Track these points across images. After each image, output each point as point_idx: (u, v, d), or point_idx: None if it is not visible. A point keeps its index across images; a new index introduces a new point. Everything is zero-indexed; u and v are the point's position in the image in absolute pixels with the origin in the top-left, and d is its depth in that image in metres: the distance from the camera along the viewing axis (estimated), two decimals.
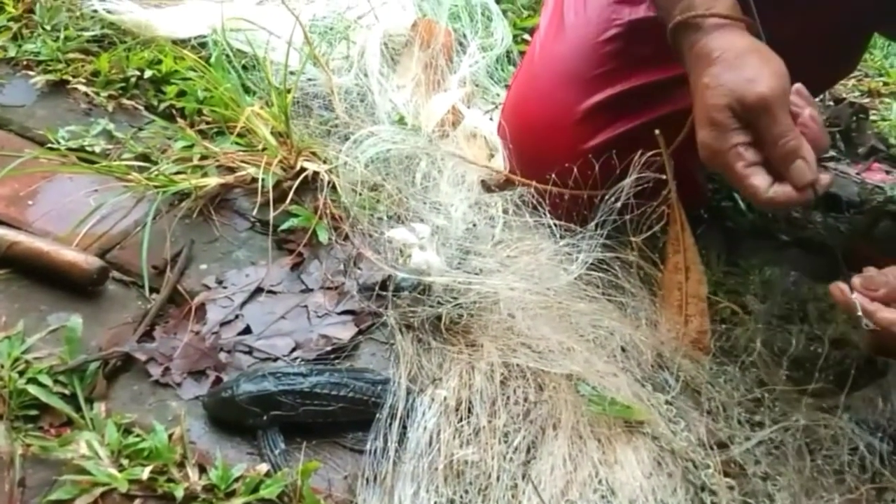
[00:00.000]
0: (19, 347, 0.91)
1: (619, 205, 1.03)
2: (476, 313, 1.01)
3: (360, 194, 1.14)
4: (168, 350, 0.95)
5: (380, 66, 1.40)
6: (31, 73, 1.35)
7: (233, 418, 0.89)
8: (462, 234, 1.10)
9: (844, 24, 1.12)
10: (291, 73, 1.28)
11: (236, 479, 0.82)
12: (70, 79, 1.34)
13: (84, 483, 0.79)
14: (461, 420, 0.89)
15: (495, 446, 0.86)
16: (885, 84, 1.85)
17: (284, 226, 1.12)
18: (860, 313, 0.85)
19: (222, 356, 0.96)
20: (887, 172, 1.53)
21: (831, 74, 1.35)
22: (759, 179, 0.88)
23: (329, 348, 0.99)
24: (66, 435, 0.83)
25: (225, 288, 1.04)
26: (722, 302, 1.10)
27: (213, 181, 1.16)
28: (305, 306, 1.04)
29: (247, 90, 1.33)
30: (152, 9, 1.49)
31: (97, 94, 1.32)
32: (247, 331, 1.00)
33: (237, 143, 1.23)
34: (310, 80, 1.37)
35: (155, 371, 0.93)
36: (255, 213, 1.14)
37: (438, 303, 1.00)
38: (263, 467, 0.84)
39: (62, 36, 1.40)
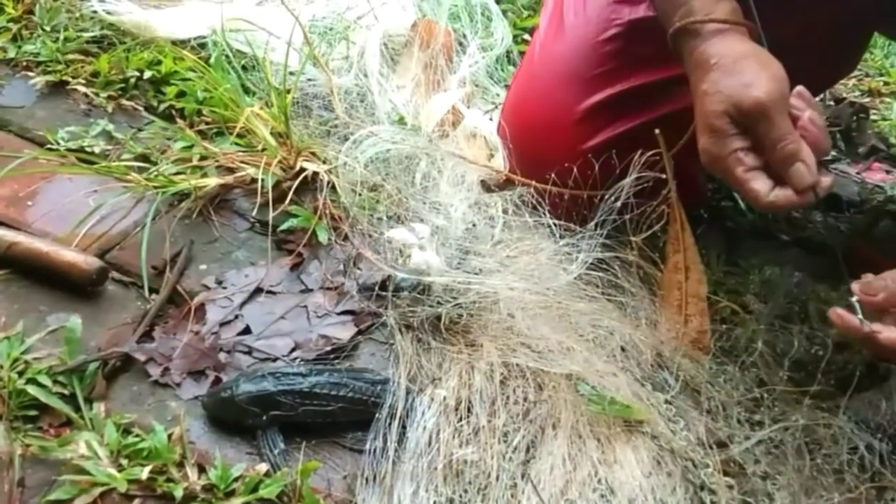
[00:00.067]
0: (19, 348, 0.91)
1: (618, 204, 1.03)
2: (476, 313, 1.01)
3: (360, 194, 1.14)
4: (167, 350, 0.95)
5: (379, 66, 1.40)
6: (30, 73, 1.35)
7: (232, 418, 0.89)
8: (462, 234, 1.10)
9: (845, 23, 1.12)
10: (291, 73, 1.28)
11: (236, 479, 0.82)
12: (70, 80, 1.34)
13: (83, 483, 0.79)
14: (461, 420, 0.89)
15: (495, 446, 0.86)
16: (886, 84, 1.85)
17: (284, 226, 1.12)
18: (860, 321, 0.85)
19: (222, 356, 0.96)
20: (887, 172, 1.53)
21: (832, 74, 1.35)
22: (760, 184, 0.88)
23: (328, 348, 0.99)
24: (65, 435, 0.84)
25: (224, 288, 1.04)
26: (722, 302, 1.09)
27: (212, 181, 1.16)
28: (305, 306, 1.04)
29: (246, 91, 1.33)
30: (152, 9, 1.49)
31: (97, 94, 1.32)
32: (246, 331, 1.00)
33: (237, 144, 1.23)
34: (309, 80, 1.37)
35: (154, 371, 0.93)
36: (254, 213, 1.14)
37: (438, 303, 1.00)
38: (263, 467, 0.84)
39: (62, 37, 1.40)
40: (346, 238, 1.11)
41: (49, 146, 1.20)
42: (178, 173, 1.16)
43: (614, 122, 1.11)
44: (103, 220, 1.10)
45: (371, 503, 0.83)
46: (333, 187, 1.15)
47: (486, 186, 1.19)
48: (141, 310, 1.00)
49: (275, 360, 0.97)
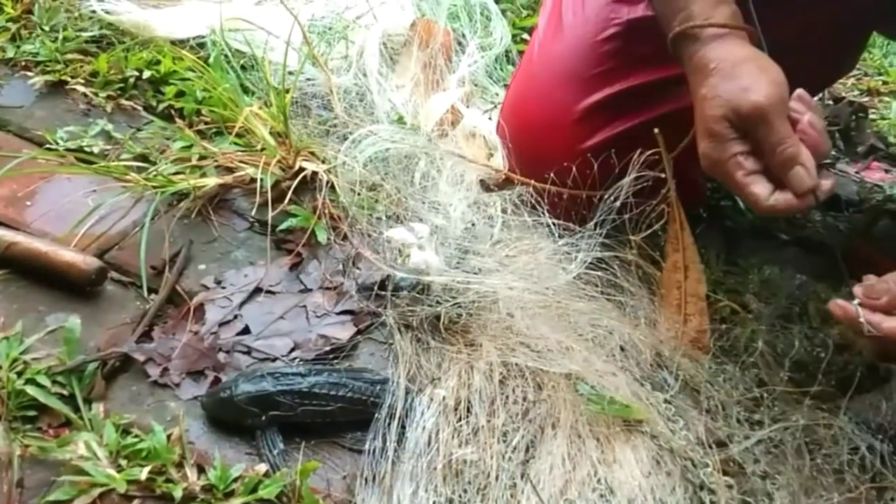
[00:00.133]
0: (18, 348, 0.91)
1: (617, 204, 1.03)
2: (475, 313, 1.00)
3: (359, 194, 1.14)
4: (166, 350, 0.95)
5: (378, 65, 1.40)
6: (29, 73, 1.35)
7: (231, 418, 0.89)
8: (461, 233, 1.10)
9: (844, 23, 1.12)
10: (290, 73, 1.28)
11: (235, 480, 0.82)
12: (68, 79, 1.34)
13: (82, 483, 0.79)
14: (460, 419, 0.89)
15: (494, 445, 0.86)
16: (885, 83, 1.84)
17: (283, 226, 1.12)
18: (863, 321, 0.85)
19: (221, 356, 0.96)
20: (886, 171, 1.53)
21: (831, 73, 1.35)
22: (760, 188, 0.88)
23: (328, 348, 0.98)
24: (64, 435, 0.83)
25: (223, 288, 1.04)
26: (721, 301, 1.09)
27: (211, 181, 1.15)
28: (304, 306, 1.04)
29: (245, 90, 1.33)
30: (151, 9, 1.49)
31: (96, 94, 1.32)
32: (245, 331, 1.00)
33: (236, 144, 1.23)
34: (308, 79, 1.37)
35: (153, 371, 0.93)
36: (253, 213, 1.14)
37: (437, 302, 1.00)
38: (262, 467, 0.84)
39: (61, 36, 1.40)
40: (345, 238, 1.10)
41: (48, 146, 1.20)
42: (177, 173, 1.16)
43: (613, 122, 1.11)
44: (102, 220, 1.10)
45: (370, 503, 0.83)
46: (332, 187, 1.15)
47: (486, 186, 1.19)
48: (140, 310, 1.00)
49: (274, 360, 0.97)
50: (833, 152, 1.55)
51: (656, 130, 1.01)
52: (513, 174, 1.16)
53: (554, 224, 1.09)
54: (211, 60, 1.33)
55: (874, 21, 1.23)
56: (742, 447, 0.90)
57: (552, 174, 1.09)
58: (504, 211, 1.14)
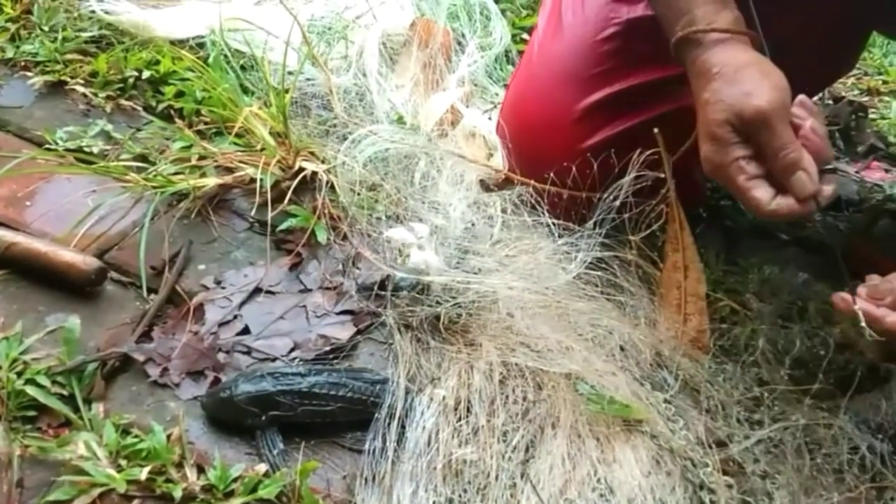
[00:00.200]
0: (17, 348, 0.91)
1: (617, 204, 1.03)
2: (475, 312, 1.00)
3: (359, 194, 1.14)
4: (166, 350, 0.95)
5: (378, 65, 1.40)
6: (29, 73, 1.35)
7: (231, 418, 0.89)
8: (460, 233, 1.10)
9: (844, 22, 1.12)
10: (290, 73, 1.28)
11: (235, 480, 0.82)
12: (68, 79, 1.34)
13: (82, 484, 0.79)
14: (460, 419, 0.89)
15: (494, 445, 0.86)
16: (885, 82, 1.84)
17: (283, 226, 1.12)
18: (863, 323, 0.85)
19: (221, 356, 0.96)
20: (886, 171, 1.53)
21: (831, 73, 1.35)
22: (761, 192, 0.88)
23: (328, 348, 0.98)
24: (64, 436, 0.83)
25: (223, 288, 1.04)
26: (721, 301, 1.09)
27: (211, 181, 1.15)
28: (304, 306, 1.04)
29: (245, 90, 1.33)
30: (150, 9, 1.49)
31: (95, 94, 1.32)
32: (245, 331, 1.00)
33: (235, 144, 1.23)
34: (308, 79, 1.36)
35: (153, 371, 0.93)
36: (253, 213, 1.14)
37: (437, 302, 1.00)
38: (262, 467, 0.84)
39: (60, 37, 1.40)
40: (344, 238, 1.10)
41: (47, 146, 1.20)
42: (176, 173, 1.16)
43: (613, 122, 1.11)
44: (102, 221, 1.10)
45: (370, 503, 0.83)
46: (332, 187, 1.15)
47: (485, 186, 1.19)
48: (140, 310, 1.00)
49: (274, 360, 0.97)
50: (833, 152, 1.55)
51: (656, 130, 1.01)
52: (512, 174, 1.16)
53: (554, 224, 1.09)
54: (210, 60, 1.33)
55: (874, 20, 1.23)
56: (742, 447, 0.90)
57: (552, 174, 1.09)
58: (504, 211, 1.14)
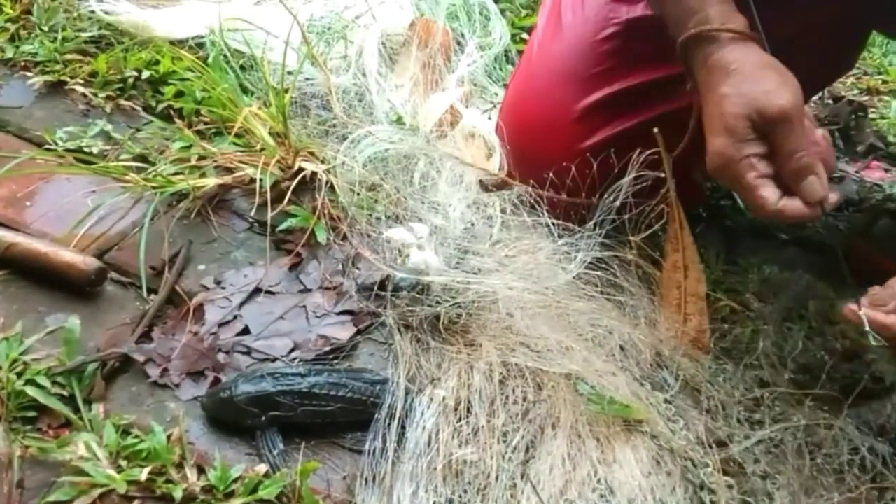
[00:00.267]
0: (17, 349, 0.91)
1: (617, 204, 1.03)
2: (474, 313, 1.00)
3: (359, 194, 1.14)
4: (166, 351, 0.95)
5: (378, 65, 1.40)
6: (28, 74, 1.35)
7: (231, 419, 0.89)
8: (460, 233, 1.10)
9: (844, 22, 1.12)
10: (289, 72, 1.28)
11: (235, 480, 0.82)
12: (68, 80, 1.34)
13: (82, 484, 0.79)
14: (460, 420, 0.89)
15: (494, 446, 0.86)
16: (884, 82, 1.84)
17: (282, 226, 1.12)
18: (868, 329, 0.86)
19: (220, 357, 0.96)
20: (886, 170, 1.53)
21: (831, 73, 1.35)
22: (769, 192, 0.88)
23: (327, 348, 0.98)
24: (64, 436, 0.83)
25: (223, 288, 1.04)
26: (721, 300, 1.09)
27: (211, 181, 1.15)
28: (304, 306, 1.04)
29: (244, 90, 1.33)
30: (150, 9, 1.49)
31: (95, 94, 1.32)
32: (245, 331, 1.00)
33: (235, 144, 1.23)
34: (308, 79, 1.36)
35: (153, 372, 0.93)
36: (253, 213, 1.14)
37: (437, 302, 1.00)
38: (262, 468, 0.84)
39: (60, 37, 1.40)
40: (344, 238, 1.10)
41: (47, 146, 1.20)
42: (176, 173, 1.16)
43: (613, 121, 1.11)
44: (102, 221, 1.10)
45: (370, 503, 0.83)
46: (332, 187, 1.15)
47: (484, 186, 1.19)
48: (140, 310, 1.00)
49: (274, 360, 0.97)
50: (836, 162, 1.55)
51: (656, 130, 1.01)
52: (509, 178, 1.16)
53: (553, 224, 1.09)
54: (210, 60, 1.33)
55: (874, 20, 1.23)
56: (742, 447, 0.90)
57: (551, 174, 1.09)
58: (503, 211, 1.14)
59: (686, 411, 0.94)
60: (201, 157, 1.20)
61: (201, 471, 0.83)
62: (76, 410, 0.87)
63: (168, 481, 0.81)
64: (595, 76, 1.13)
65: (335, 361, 0.98)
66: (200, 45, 1.42)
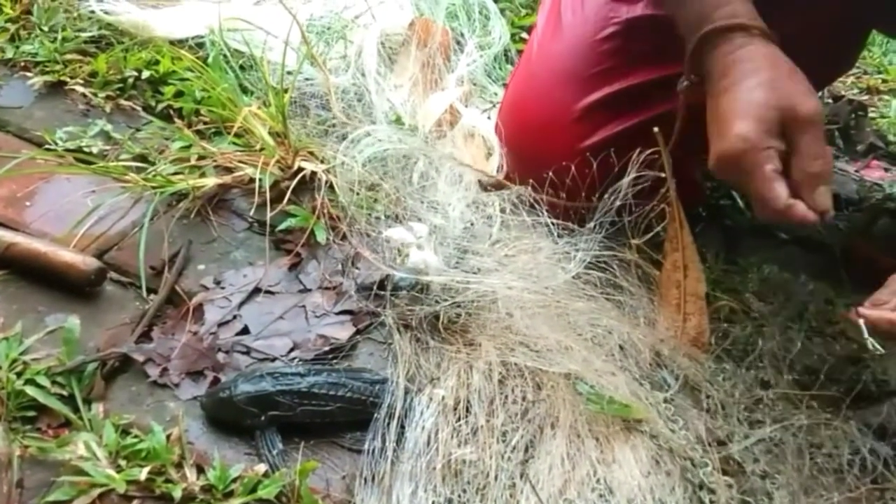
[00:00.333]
0: (17, 348, 0.91)
1: (617, 203, 1.03)
2: (474, 312, 1.00)
3: (358, 194, 1.14)
4: (166, 351, 0.95)
5: (377, 65, 1.40)
6: (28, 74, 1.35)
7: (231, 418, 0.89)
8: (460, 233, 1.10)
9: (844, 22, 1.12)
10: (289, 72, 1.28)
11: (234, 480, 0.82)
12: (68, 80, 1.34)
13: (82, 484, 0.79)
14: (459, 419, 0.89)
15: (493, 445, 0.86)
16: (884, 81, 1.84)
17: (282, 226, 1.12)
18: (867, 338, 0.86)
19: (220, 356, 0.96)
20: (886, 170, 1.53)
21: (830, 72, 1.35)
22: (783, 188, 0.87)
23: (327, 348, 0.98)
24: (64, 436, 0.83)
25: (223, 288, 1.04)
26: (721, 300, 1.09)
27: (210, 181, 1.15)
28: (303, 306, 1.04)
29: (244, 90, 1.33)
30: (149, 9, 1.49)
31: (95, 94, 1.32)
32: (245, 331, 1.00)
33: (235, 144, 1.23)
34: (307, 79, 1.36)
35: (153, 372, 0.93)
36: (252, 213, 1.14)
37: (436, 302, 1.00)
38: (261, 467, 0.84)
39: (60, 37, 1.40)
40: (344, 237, 1.11)
41: (47, 146, 1.20)
42: (176, 173, 1.16)
43: (613, 121, 1.11)
44: (101, 221, 1.10)
45: (369, 503, 0.83)
46: (331, 187, 1.15)
47: (483, 185, 1.19)
48: (139, 310, 1.00)
49: (273, 360, 0.97)
50: (833, 151, 1.55)
51: (656, 129, 1.01)
52: (507, 179, 1.16)
53: (553, 224, 1.09)
54: (210, 60, 1.33)
55: (874, 19, 1.23)
56: (742, 446, 0.90)
57: (551, 173, 1.09)
58: (503, 210, 1.14)
59: (685, 411, 0.94)
60: (201, 157, 1.20)
61: (200, 470, 0.83)
62: (76, 410, 0.87)
63: (167, 481, 0.81)
64: (595, 76, 1.13)
65: (334, 361, 0.98)
66: (200, 45, 1.42)
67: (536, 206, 1.11)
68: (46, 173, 1.15)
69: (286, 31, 1.27)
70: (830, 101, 1.68)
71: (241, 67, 1.36)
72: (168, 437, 0.85)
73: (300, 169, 1.18)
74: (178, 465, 0.83)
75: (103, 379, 0.91)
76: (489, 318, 1.00)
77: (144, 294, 1.02)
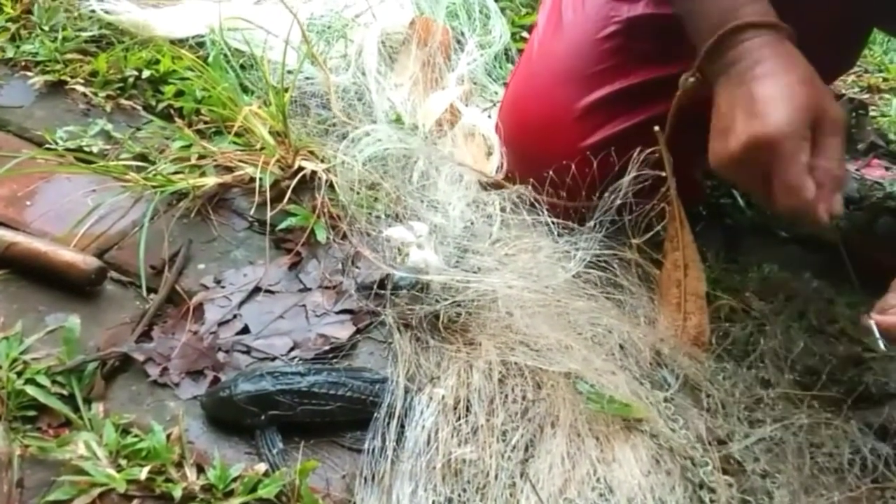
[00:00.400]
0: (17, 348, 0.91)
1: (617, 202, 1.03)
2: (474, 311, 1.00)
3: (358, 193, 1.14)
4: (166, 350, 0.95)
5: (377, 64, 1.40)
6: (29, 73, 1.35)
7: (231, 418, 0.89)
8: (460, 232, 1.10)
9: (845, 21, 1.12)
10: (289, 72, 1.28)
11: (234, 479, 0.82)
12: (68, 79, 1.34)
13: (82, 483, 0.79)
14: (459, 419, 0.89)
15: (493, 445, 0.86)
16: (885, 80, 1.84)
17: (282, 225, 1.12)
18: (878, 336, 0.86)
19: (220, 356, 0.96)
20: (887, 168, 1.53)
21: (831, 71, 1.35)
22: (811, 181, 0.86)
23: (327, 347, 0.98)
24: (64, 435, 0.83)
25: (223, 287, 1.04)
26: (721, 299, 1.09)
27: (210, 181, 1.15)
28: (303, 306, 1.04)
29: (244, 89, 1.33)
30: (150, 9, 1.49)
31: (95, 94, 1.32)
32: (245, 330, 1.00)
33: (235, 143, 1.23)
34: (307, 78, 1.36)
35: (153, 371, 0.93)
36: (252, 212, 1.14)
37: (436, 301, 1.00)
38: (261, 467, 0.84)
39: (60, 36, 1.40)
40: (344, 237, 1.10)
41: (47, 146, 1.20)
42: (176, 172, 1.16)
43: (613, 120, 1.11)
44: (102, 220, 1.10)
45: (370, 502, 0.83)
46: (332, 186, 1.15)
47: (482, 184, 1.19)
48: (139, 309, 1.00)
49: (273, 359, 0.97)
50: None
51: (656, 128, 1.01)
52: (506, 179, 1.16)
53: (553, 223, 1.09)
54: (210, 60, 1.33)
55: (875, 18, 1.22)
56: (742, 445, 0.90)
57: (552, 172, 1.09)
58: (503, 210, 1.14)
59: (686, 410, 0.94)
60: (201, 157, 1.20)
61: (201, 470, 0.83)
62: (76, 410, 0.87)
63: (167, 480, 0.81)
64: (596, 75, 1.13)
65: (334, 360, 0.98)
66: (200, 45, 1.42)
67: (537, 205, 1.11)
68: (47, 173, 1.15)
69: (286, 31, 1.27)
70: None
71: (242, 67, 1.36)
72: (168, 436, 0.85)
73: (300, 168, 1.18)
74: (179, 465, 0.83)
75: (103, 378, 0.91)
76: (489, 318, 1.00)
77: (145, 293, 1.02)
